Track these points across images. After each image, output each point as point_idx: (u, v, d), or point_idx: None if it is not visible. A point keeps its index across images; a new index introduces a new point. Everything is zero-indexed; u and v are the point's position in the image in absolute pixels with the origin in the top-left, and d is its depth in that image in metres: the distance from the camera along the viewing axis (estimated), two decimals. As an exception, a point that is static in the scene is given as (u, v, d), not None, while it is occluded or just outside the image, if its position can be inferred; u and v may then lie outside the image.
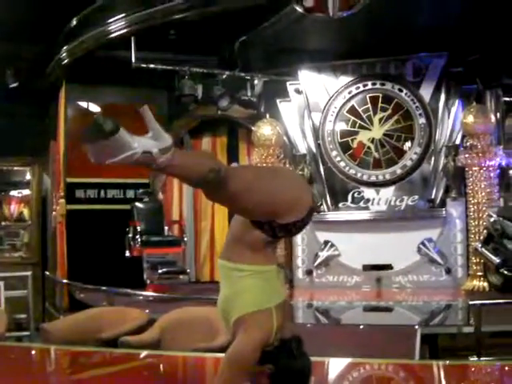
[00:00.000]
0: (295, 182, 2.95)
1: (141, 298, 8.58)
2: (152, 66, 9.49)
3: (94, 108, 11.44)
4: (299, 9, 6.79)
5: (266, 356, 2.73)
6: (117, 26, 8.85)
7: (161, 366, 4.29)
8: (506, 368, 4.04)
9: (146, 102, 8.69)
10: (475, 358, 5.49)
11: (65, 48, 10.10)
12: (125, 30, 8.84)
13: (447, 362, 3.84)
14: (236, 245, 2.82)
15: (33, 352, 5.06)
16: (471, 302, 6.35)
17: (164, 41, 9.27)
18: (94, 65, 9.89)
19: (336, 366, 3.86)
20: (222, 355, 3.51)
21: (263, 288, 2.76)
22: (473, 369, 4.03)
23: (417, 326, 6.18)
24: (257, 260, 2.76)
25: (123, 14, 8.75)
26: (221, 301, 2.86)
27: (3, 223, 12.96)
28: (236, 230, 2.85)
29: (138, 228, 9.70)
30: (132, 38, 9.05)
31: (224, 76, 9.82)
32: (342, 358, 4.06)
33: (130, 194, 11.27)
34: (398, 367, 3.84)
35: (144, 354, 4.54)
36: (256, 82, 9.90)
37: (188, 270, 9.63)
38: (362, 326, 6.57)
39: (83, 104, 11.46)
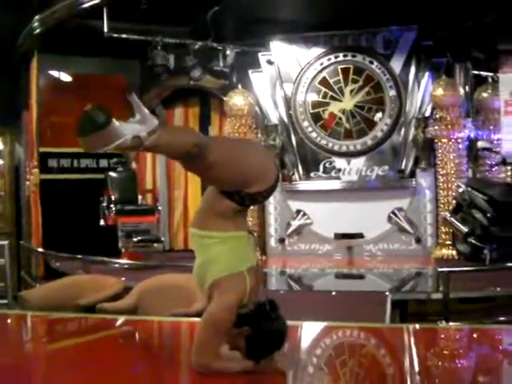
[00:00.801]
0: (262, 155, 3.17)
1: (116, 266, 8.64)
2: (124, 36, 9.46)
3: (66, 78, 11.40)
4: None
5: (243, 319, 2.88)
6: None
7: (139, 331, 4.37)
8: (471, 331, 4.22)
9: (119, 72, 8.76)
10: (443, 323, 5.67)
11: (36, 17, 9.98)
12: (97, 0, 8.78)
13: (416, 325, 3.98)
14: (207, 214, 2.99)
15: (9, 320, 5.10)
16: (440, 269, 6.56)
17: (136, 11, 9.20)
18: (66, 34, 9.79)
19: (309, 329, 3.98)
20: (198, 320, 3.70)
21: (235, 253, 2.92)
22: (440, 332, 4.18)
23: (387, 292, 6.35)
24: (227, 227, 2.92)
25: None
26: (196, 268, 3.02)
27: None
28: (207, 200, 3.02)
29: (112, 197, 9.76)
30: (104, 8, 9.03)
31: (196, 46, 9.82)
32: (315, 322, 4.18)
33: (104, 163, 11.28)
34: (369, 331, 3.99)
35: (122, 319, 4.61)
36: (228, 52, 9.94)
37: (162, 239, 9.72)
38: (333, 293, 6.75)
39: (55, 74, 11.42)
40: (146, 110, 2.68)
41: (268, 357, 2.93)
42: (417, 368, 3.08)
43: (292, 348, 3.32)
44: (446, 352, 3.68)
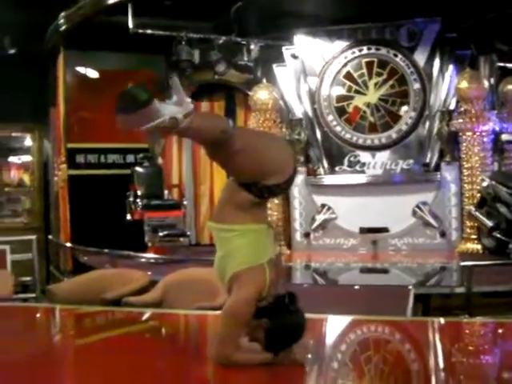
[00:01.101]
0: (282, 148, 3.14)
1: (142, 260, 8.76)
2: (149, 31, 9.56)
3: (93, 74, 11.51)
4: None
5: (262, 311, 2.92)
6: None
7: (165, 324, 4.45)
8: (492, 325, 4.22)
9: (144, 68, 8.85)
10: (466, 317, 5.67)
11: (62, 14, 10.13)
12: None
13: (437, 319, 4.01)
14: (225, 207, 3.02)
15: (38, 313, 5.21)
16: (462, 263, 6.56)
17: (160, 6, 9.30)
18: (92, 31, 9.92)
19: (330, 323, 4.03)
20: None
21: (254, 245, 2.95)
22: (460, 326, 4.20)
23: (410, 287, 6.36)
24: (246, 220, 2.95)
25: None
26: (216, 261, 3.04)
27: (5, 189, 13.08)
28: (225, 193, 3.06)
29: (139, 192, 9.86)
30: (129, 4, 9.12)
31: (220, 41, 9.92)
32: (336, 315, 4.23)
33: (130, 158, 11.38)
34: (389, 324, 4.03)
35: (147, 313, 4.69)
36: (252, 46, 10.00)
37: (188, 233, 9.79)
38: (356, 287, 6.79)
39: (82, 70, 11.54)
40: (184, 93, 2.73)
41: (286, 349, 2.97)
42: (436, 362, 3.09)
43: (313, 341, 3.35)
44: (466, 346, 3.70)
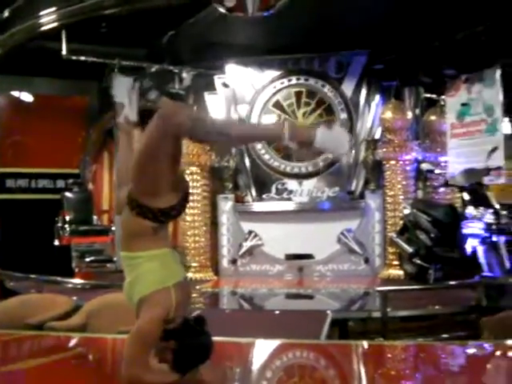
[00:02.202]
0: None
1: (69, 285, 8.69)
2: (82, 58, 9.56)
3: (26, 98, 11.49)
4: (220, 9, 7.04)
5: (170, 333, 3.00)
6: (48, 19, 8.88)
7: (88, 348, 4.50)
8: (394, 348, 4.41)
9: (78, 93, 8.89)
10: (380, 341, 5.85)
11: (-5, 39, 10.11)
12: (55, 24, 8.87)
13: (337, 341, 4.18)
14: (128, 237, 3.10)
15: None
16: (378, 289, 6.75)
17: (94, 33, 9.36)
18: (25, 55, 9.92)
19: (245, 346, 4.15)
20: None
21: (159, 269, 3.03)
22: (361, 348, 4.35)
23: (328, 311, 6.50)
24: (149, 246, 3.03)
25: (54, 8, 8.79)
26: (125, 287, 3.13)
27: None
28: (125, 223, 3.12)
29: (67, 217, 9.87)
30: (63, 31, 9.16)
31: (153, 69, 9.95)
32: (250, 338, 4.35)
33: (61, 183, 11.43)
34: (298, 346, 4.18)
35: (71, 337, 4.73)
36: (184, 75, 10.08)
37: (115, 259, 9.80)
38: (277, 312, 6.94)
39: (15, 94, 11.51)
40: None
41: (193, 370, 3.06)
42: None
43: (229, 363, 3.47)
44: (358, 367, 3.84)
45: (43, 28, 9.10)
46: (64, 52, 9.27)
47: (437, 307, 6.93)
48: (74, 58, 9.46)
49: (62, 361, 4.10)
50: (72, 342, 4.66)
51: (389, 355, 4.27)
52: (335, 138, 2.89)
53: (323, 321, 5.97)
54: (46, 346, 4.67)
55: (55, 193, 11.04)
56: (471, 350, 4.22)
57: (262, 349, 4.21)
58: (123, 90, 3.51)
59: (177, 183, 3.08)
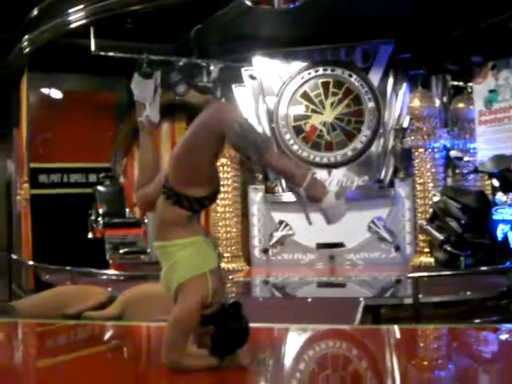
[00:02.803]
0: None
1: (104, 277, 8.81)
2: (111, 53, 9.70)
3: (56, 95, 11.67)
4: (247, 2, 7.12)
5: (208, 319, 3.10)
6: (76, 16, 9.05)
7: (128, 336, 4.60)
8: (429, 332, 4.47)
9: (108, 89, 9.01)
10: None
11: (26, 37, 10.27)
12: (84, 21, 9.02)
13: (371, 326, 4.25)
14: (163, 226, 3.21)
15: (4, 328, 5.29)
16: (410, 275, 6.80)
17: (122, 29, 9.49)
18: (55, 53, 10.08)
19: (280, 332, 4.23)
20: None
21: (195, 256, 3.14)
22: (398, 332, 4.42)
23: (361, 298, 6.59)
24: (184, 234, 3.14)
25: (82, 5, 8.95)
26: (162, 276, 3.23)
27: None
28: (160, 213, 3.22)
29: (100, 210, 10.02)
30: (91, 27, 9.29)
31: (181, 63, 10.05)
32: (285, 324, 4.44)
33: (93, 178, 11.57)
34: (335, 332, 4.26)
35: (111, 325, 4.83)
36: (212, 68, 10.17)
37: (148, 250, 9.93)
38: (309, 299, 7.01)
39: (45, 91, 11.69)
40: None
41: (231, 354, 3.14)
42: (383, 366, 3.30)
43: (257, 348, 3.55)
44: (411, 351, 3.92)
45: (72, 25, 9.26)
46: (93, 48, 9.42)
47: (468, 293, 6.94)
48: (102, 53, 9.59)
49: (104, 349, 4.19)
50: (112, 331, 4.76)
51: (426, 339, 4.31)
52: (338, 208, 3.09)
53: (356, 307, 6.04)
54: (88, 334, 4.77)
55: (87, 187, 11.20)
56: (504, 335, 4.26)
57: (297, 335, 4.28)
58: (144, 89, 3.60)
59: (212, 175, 3.21)
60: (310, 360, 3.66)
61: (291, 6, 6.98)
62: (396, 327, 4.59)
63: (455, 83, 10.36)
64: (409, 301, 6.64)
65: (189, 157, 3.06)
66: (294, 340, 4.22)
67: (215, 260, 3.27)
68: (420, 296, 6.46)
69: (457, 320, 6.49)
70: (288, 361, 3.65)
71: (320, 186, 3.06)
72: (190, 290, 3.07)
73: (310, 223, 3.25)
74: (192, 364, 3.15)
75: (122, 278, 8.59)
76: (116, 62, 10.00)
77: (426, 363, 3.57)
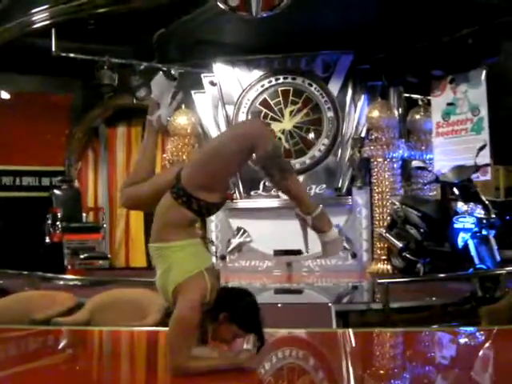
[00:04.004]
0: None
1: (61, 283, 8.64)
2: (72, 55, 9.58)
3: (8, 96, 11.42)
4: (224, 7, 7.15)
5: (217, 307, 3.10)
6: (40, 17, 8.89)
7: (99, 341, 4.55)
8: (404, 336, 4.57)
9: (62, 91, 8.85)
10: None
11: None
12: (47, 22, 8.88)
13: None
14: (163, 226, 3.16)
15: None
16: (379, 281, 6.93)
17: (83, 30, 9.36)
18: (11, 53, 9.88)
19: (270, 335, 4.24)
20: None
21: (191, 257, 3.13)
22: (388, 335, 4.51)
23: (330, 304, 6.68)
24: (184, 236, 3.13)
25: (46, 6, 8.81)
26: (157, 279, 3.20)
27: None
28: (162, 213, 3.19)
29: (58, 214, 9.86)
30: (52, 29, 9.15)
31: (142, 66, 9.97)
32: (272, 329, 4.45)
33: (46, 181, 11.38)
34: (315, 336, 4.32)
35: (80, 331, 4.77)
36: (172, 73, 10.12)
37: (109, 256, 9.86)
38: (279, 305, 7.05)
39: (-3, 91, 11.47)
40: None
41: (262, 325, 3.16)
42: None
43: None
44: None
45: (35, 26, 9.10)
46: (53, 49, 9.28)
47: (433, 298, 7.13)
48: (63, 55, 9.46)
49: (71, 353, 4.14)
50: (84, 336, 4.70)
51: (412, 342, 4.38)
52: (337, 243, 3.25)
53: (328, 313, 6.13)
54: (62, 340, 4.70)
55: (41, 190, 11.04)
56: (466, 337, 4.38)
57: (286, 339, 4.30)
58: (163, 90, 3.63)
59: (227, 185, 3.27)
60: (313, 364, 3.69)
61: (269, 13, 7.05)
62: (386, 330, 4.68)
63: (412, 95, 10.61)
64: (376, 306, 6.77)
65: (214, 163, 3.08)
66: (287, 344, 4.24)
67: (210, 259, 3.31)
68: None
69: (423, 325, 6.63)
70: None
71: (327, 219, 3.20)
72: (188, 289, 3.05)
73: (308, 251, 3.49)
74: (199, 366, 3.10)
75: (86, 283, 8.43)
76: (72, 63, 9.85)
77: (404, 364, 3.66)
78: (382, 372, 3.47)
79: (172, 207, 3.12)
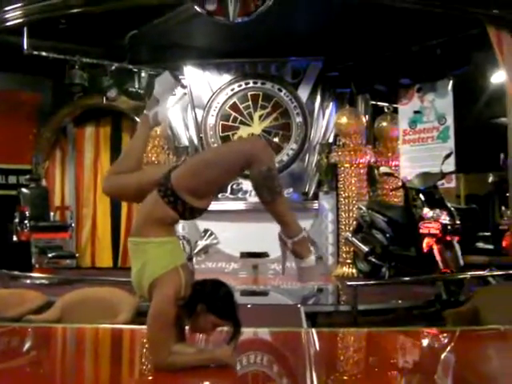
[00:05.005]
0: None
1: (28, 281, 8.61)
2: (44, 54, 9.56)
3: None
4: (201, 11, 7.23)
5: (194, 299, 3.14)
6: (13, 15, 8.85)
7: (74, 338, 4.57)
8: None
9: (32, 89, 8.82)
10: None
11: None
12: (20, 20, 8.86)
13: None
14: (145, 222, 3.24)
15: None
16: (348, 283, 7.05)
17: (55, 29, 9.34)
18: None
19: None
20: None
21: (168, 254, 3.20)
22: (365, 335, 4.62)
23: (299, 305, 6.79)
24: (161, 233, 3.19)
25: (20, 4, 8.79)
26: (133, 275, 3.26)
27: None
28: (146, 209, 3.27)
29: (26, 213, 9.82)
30: (25, 27, 9.13)
31: (113, 67, 10.03)
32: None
33: (13, 179, 11.29)
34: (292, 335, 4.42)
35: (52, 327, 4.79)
36: (143, 74, 10.19)
37: (77, 255, 9.85)
38: (249, 305, 7.12)
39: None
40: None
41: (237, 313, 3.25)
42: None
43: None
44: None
45: (7, 24, 9.04)
46: (25, 47, 9.27)
47: (399, 301, 7.30)
48: (35, 53, 9.44)
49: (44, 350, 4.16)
50: (55, 333, 4.72)
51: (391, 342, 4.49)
52: (313, 271, 3.37)
53: (298, 314, 6.22)
54: (31, 337, 4.69)
55: (7, 189, 10.97)
56: (431, 338, 4.52)
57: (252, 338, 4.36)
58: (166, 87, 3.72)
59: (215, 194, 3.43)
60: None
61: (245, 19, 7.15)
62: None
63: (379, 103, 10.82)
64: (344, 308, 6.92)
65: (209, 171, 3.15)
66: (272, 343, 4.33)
67: (184, 257, 3.40)
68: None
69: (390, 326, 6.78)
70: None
71: (307, 245, 3.34)
72: (163, 283, 3.11)
73: (283, 274, 3.62)
74: (182, 361, 3.14)
75: (51, 281, 8.42)
76: (43, 62, 9.81)
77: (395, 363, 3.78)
78: (355, 367, 3.59)
79: (157, 204, 3.18)
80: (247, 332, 4.06)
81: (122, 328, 4.55)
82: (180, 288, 3.12)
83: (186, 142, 10.70)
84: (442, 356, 3.87)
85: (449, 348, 4.18)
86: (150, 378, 3.28)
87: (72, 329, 4.78)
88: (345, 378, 3.35)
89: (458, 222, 7.84)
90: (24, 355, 3.97)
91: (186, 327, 3.33)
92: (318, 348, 4.02)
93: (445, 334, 4.53)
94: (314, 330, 4.64)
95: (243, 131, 10.52)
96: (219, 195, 10.39)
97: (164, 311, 3.09)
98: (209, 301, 3.16)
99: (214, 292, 3.20)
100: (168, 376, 3.09)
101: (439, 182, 8.40)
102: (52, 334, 4.68)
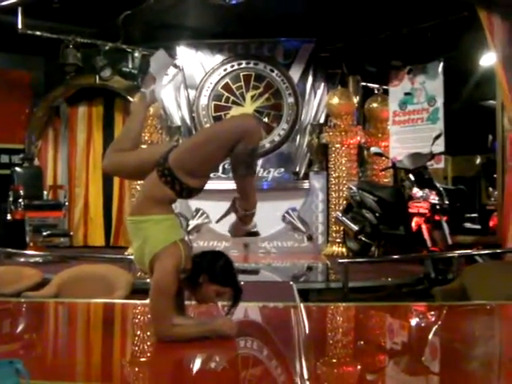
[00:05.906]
0: None
1: (22, 259, 8.64)
2: (38, 33, 9.60)
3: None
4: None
5: (196, 271, 3.28)
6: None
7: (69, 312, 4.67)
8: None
9: (24, 69, 8.85)
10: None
11: None
12: (14, 0, 8.89)
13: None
14: (144, 201, 3.41)
15: None
16: (340, 260, 7.18)
17: (48, 9, 9.36)
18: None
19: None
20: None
21: (167, 230, 3.35)
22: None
23: (291, 282, 6.94)
24: (160, 211, 3.35)
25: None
26: (134, 251, 3.44)
27: None
28: (147, 188, 3.45)
29: (21, 192, 9.88)
30: (19, 6, 9.14)
31: (107, 47, 10.07)
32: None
33: (5, 159, 11.35)
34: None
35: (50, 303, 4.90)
36: (136, 54, 10.23)
37: (71, 233, 9.94)
38: (242, 282, 7.24)
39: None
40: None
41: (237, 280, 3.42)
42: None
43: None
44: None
45: (2, 4, 9.05)
46: (20, 27, 9.30)
47: (389, 279, 7.49)
48: (29, 32, 9.47)
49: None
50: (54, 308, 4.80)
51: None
52: (239, 232, 3.89)
53: (291, 290, 6.35)
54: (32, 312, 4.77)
55: (0, 168, 11.04)
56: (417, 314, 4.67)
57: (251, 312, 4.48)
58: (162, 65, 3.83)
59: (210, 172, 3.53)
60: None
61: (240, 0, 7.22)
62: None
63: (370, 84, 10.93)
64: (335, 285, 7.08)
65: (204, 150, 3.30)
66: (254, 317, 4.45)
67: (183, 232, 3.59)
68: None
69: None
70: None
71: (252, 219, 3.72)
72: (164, 256, 3.25)
73: (217, 222, 3.96)
74: (182, 332, 3.26)
75: (46, 259, 8.48)
76: (37, 41, 9.87)
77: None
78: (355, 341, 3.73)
79: (156, 184, 3.33)
80: (242, 306, 4.21)
81: (120, 303, 4.68)
82: (180, 261, 3.26)
83: (178, 121, 10.75)
84: (431, 330, 4.03)
85: (437, 322, 4.33)
86: (149, 350, 3.40)
87: (72, 304, 4.89)
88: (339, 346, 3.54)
89: (446, 202, 7.99)
90: (26, 330, 4.08)
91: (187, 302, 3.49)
92: (315, 322, 4.17)
93: (432, 311, 4.69)
94: (311, 305, 4.83)
95: (235, 111, 10.58)
96: (211, 175, 10.47)
97: (165, 283, 3.22)
98: (210, 271, 3.29)
99: (214, 262, 3.35)
100: (168, 347, 3.21)
101: (428, 163, 8.54)
102: (52, 309, 4.79)
